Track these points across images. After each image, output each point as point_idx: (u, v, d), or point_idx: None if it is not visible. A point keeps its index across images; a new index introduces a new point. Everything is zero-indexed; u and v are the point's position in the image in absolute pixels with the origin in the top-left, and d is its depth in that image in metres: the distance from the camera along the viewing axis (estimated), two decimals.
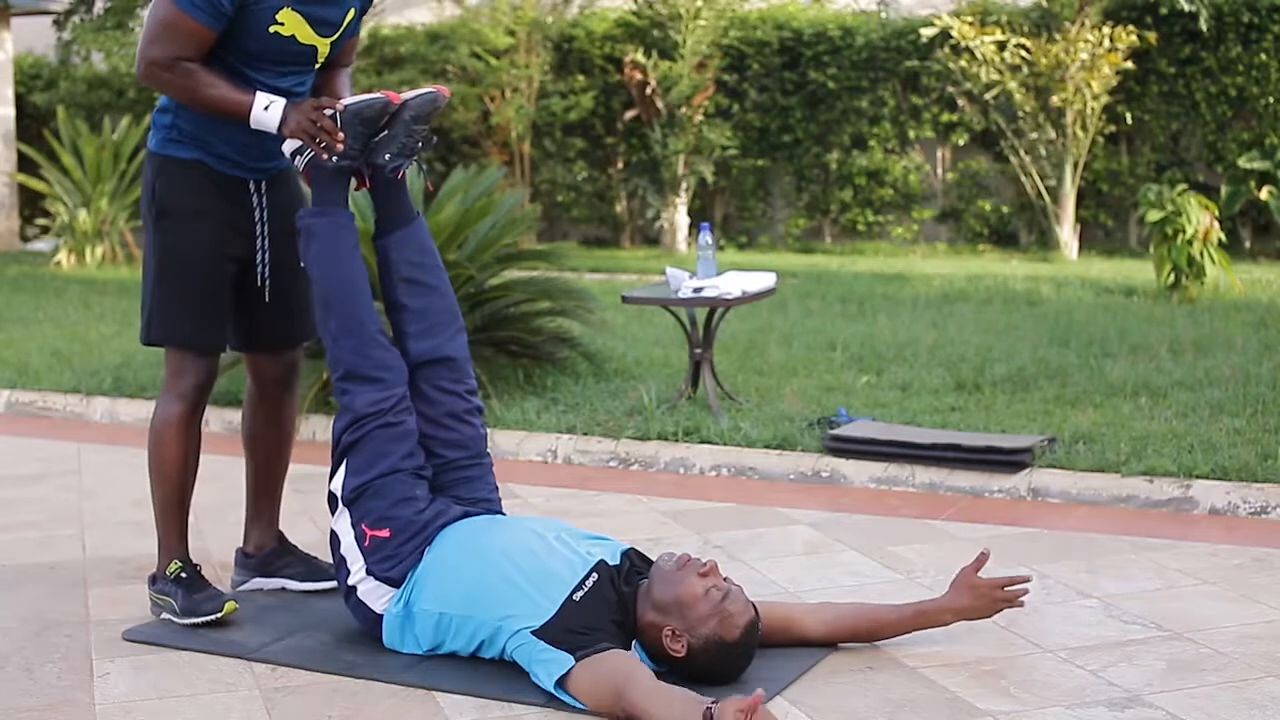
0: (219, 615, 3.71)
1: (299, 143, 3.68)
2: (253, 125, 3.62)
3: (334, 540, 3.63)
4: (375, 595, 3.56)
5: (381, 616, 3.56)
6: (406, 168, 3.78)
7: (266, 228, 3.85)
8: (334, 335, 3.68)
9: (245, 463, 4.12)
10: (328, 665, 3.50)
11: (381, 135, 3.72)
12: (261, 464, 4.09)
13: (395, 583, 3.54)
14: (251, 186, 3.82)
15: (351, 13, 3.78)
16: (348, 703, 3.30)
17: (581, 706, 3.20)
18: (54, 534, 4.80)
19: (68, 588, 4.18)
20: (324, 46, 3.74)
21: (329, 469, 3.69)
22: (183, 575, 3.81)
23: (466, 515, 3.64)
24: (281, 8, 3.61)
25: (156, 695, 3.36)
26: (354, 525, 3.57)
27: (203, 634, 3.70)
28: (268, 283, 3.86)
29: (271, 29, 3.62)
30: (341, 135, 3.61)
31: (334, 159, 3.66)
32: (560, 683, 3.21)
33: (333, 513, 3.65)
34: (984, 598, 3.55)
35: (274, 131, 3.63)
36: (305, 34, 3.68)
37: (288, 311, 3.94)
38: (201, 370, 3.81)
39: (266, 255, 3.86)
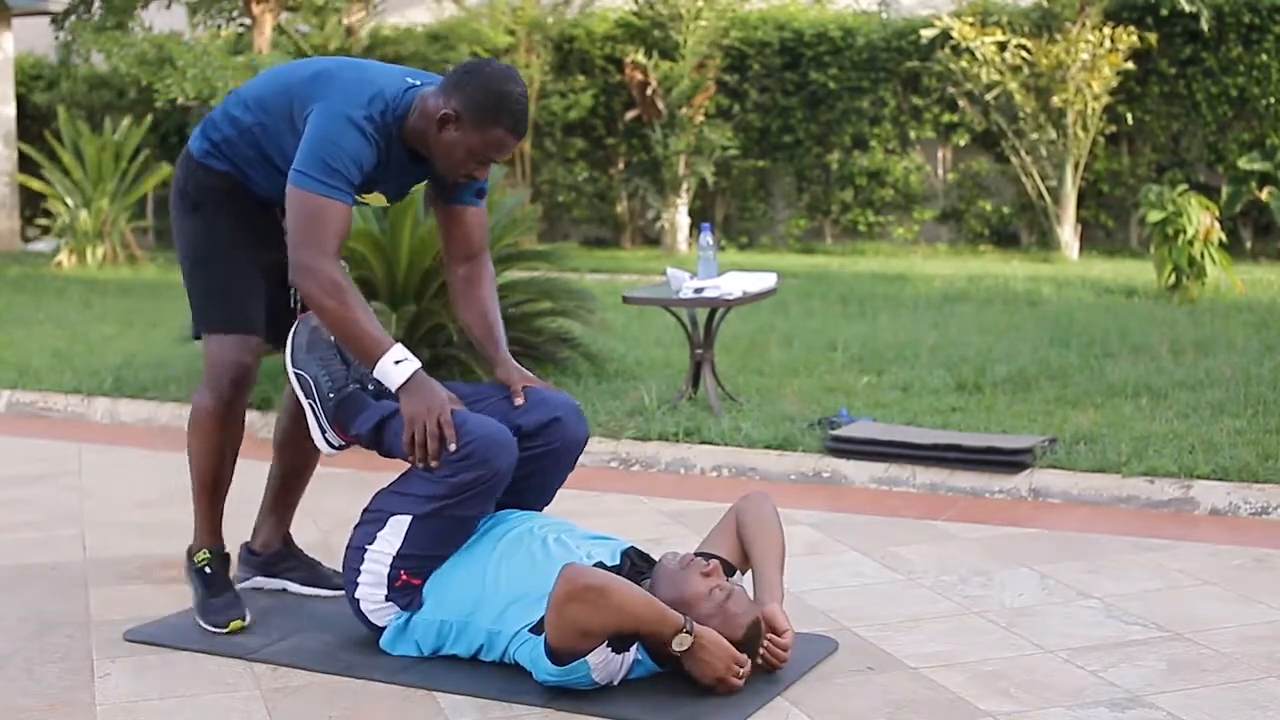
0: (223, 631, 3.72)
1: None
2: (375, 373, 3.47)
3: (356, 558, 3.52)
4: (383, 614, 3.54)
5: (384, 628, 3.55)
6: None
7: None
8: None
9: (271, 465, 4.10)
10: (328, 666, 3.50)
11: None
12: (289, 471, 4.08)
13: (406, 606, 3.53)
14: (278, 213, 3.77)
15: (424, 183, 3.78)
16: (348, 703, 3.30)
17: (559, 679, 3.18)
18: (54, 534, 4.80)
19: (68, 588, 4.18)
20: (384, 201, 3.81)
21: (377, 487, 3.57)
22: (206, 570, 3.83)
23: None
24: (373, 192, 3.67)
25: (157, 695, 3.36)
26: (393, 567, 3.49)
27: (203, 634, 3.70)
28: (300, 302, 3.78)
29: (357, 198, 3.64)
30: (448, 448, 3.39)
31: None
32: (547, 653, 3.18)
33: (366, 536, 3.51)
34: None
35: (389, 387, 3.46)
36: (378, 201, 3.76)
37: None
38: (236, 366, 3.74)
39: None
